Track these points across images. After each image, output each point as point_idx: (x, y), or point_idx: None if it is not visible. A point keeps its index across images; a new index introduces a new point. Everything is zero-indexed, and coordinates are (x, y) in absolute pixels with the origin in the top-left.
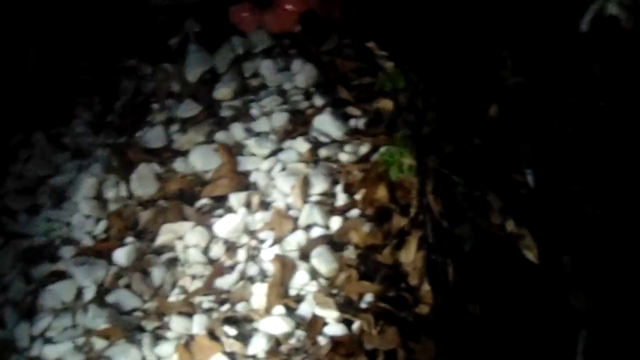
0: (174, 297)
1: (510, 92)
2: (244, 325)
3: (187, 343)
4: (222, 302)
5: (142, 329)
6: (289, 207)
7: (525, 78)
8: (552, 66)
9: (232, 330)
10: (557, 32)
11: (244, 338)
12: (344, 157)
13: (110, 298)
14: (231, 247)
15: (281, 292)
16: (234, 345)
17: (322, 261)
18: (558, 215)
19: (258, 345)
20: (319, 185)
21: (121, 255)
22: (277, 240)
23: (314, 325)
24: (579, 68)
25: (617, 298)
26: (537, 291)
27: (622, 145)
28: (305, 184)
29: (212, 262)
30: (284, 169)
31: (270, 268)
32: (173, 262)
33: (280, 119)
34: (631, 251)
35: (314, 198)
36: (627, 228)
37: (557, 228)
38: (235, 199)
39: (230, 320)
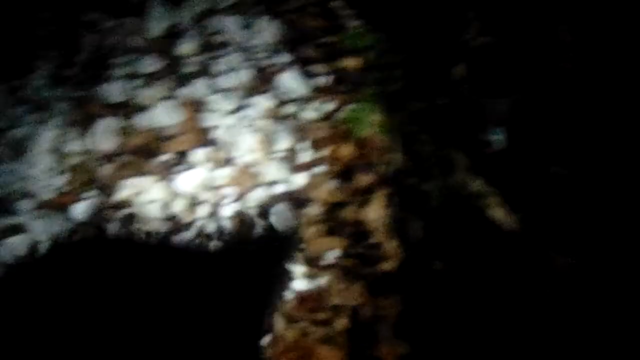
0: None
1: (478, 52)
2: None
3: None
4: None
5: None
6: (253, 163)
7: (493, 38)
8: (520, 28)
9: None
10: None
11: None
12: (309, 114)
13: None
14: (192, 203)
15: None
16: None
17: (285, 218)
18: (525, 175)
19: None
20: (284, 142)
21: (80, 210)
22: (240, 196)
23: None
24: (546, 30)
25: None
26: (502, 249)
27: (587, 107)
28: (270, 140)
29: (171, 218)
30: (248, 125)
31: (229, 225)
32: (131, 218)
33: (244, 76)
34: (598, 209)
35: (278, 154)
36: (593, 188)
37: (524, 187)
38: (198, 155)
39: None
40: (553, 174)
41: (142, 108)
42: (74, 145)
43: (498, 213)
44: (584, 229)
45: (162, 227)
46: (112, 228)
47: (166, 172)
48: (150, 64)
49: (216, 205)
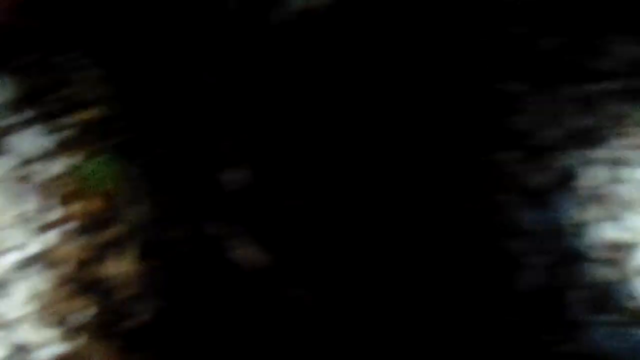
0: None
1: (210, 92)
2: None
3: None
4: None
5: None
6: None
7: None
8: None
9: None
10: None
11: None
12: (55, 170)
13: None
14: None
15: None
16: None
17: (36, 281)
18: (268, 210)
19: None
20: (29, 203)
21: None
22: None
23: (30, 348)
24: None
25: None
26: (256, 290)
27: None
28: (14, 202)
29: None
30: None
31: None
32: None
33: None
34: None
35: (24, 216)
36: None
37: (269, 222)
38: None
39: None
40: (289, 207)
41: None
42: None
43: (247, 253)
44: (322, 259)
45: None
46: None
47: None
48: None
49: None
